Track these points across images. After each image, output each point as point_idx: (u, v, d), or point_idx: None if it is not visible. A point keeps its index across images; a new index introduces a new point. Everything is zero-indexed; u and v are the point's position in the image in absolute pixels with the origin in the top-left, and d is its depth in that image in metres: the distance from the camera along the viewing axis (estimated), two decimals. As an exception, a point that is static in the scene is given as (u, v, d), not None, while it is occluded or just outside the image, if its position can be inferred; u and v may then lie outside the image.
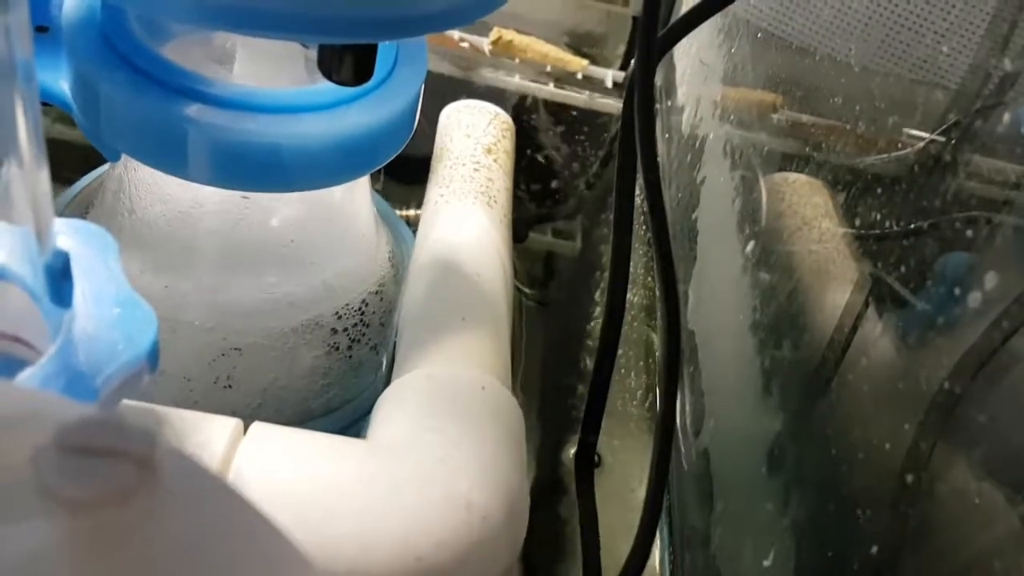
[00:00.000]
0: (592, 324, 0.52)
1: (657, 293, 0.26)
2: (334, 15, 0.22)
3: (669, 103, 0.47)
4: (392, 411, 0.27)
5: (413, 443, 0.25)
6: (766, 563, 0.21)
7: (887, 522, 0.18)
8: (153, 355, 0.20)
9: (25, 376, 0.18)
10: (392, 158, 0.31)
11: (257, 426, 0.24)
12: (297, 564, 0.13)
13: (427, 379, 0.28)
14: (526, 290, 0.52)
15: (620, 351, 0.43)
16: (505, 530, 0.24)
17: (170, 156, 0.28)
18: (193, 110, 0.27)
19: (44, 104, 0.33)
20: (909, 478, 0.17)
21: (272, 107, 0.28)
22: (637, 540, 0.25)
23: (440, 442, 0.25)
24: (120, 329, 0.20)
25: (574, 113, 0.55)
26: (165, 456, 0.12)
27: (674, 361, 0.24)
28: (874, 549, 0.17)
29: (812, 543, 0.20)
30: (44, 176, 0.18)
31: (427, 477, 0.24)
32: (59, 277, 0.18)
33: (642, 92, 0.25)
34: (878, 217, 0.32)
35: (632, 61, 0.60)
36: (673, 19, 0.34)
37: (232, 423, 0.23)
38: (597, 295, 0.54)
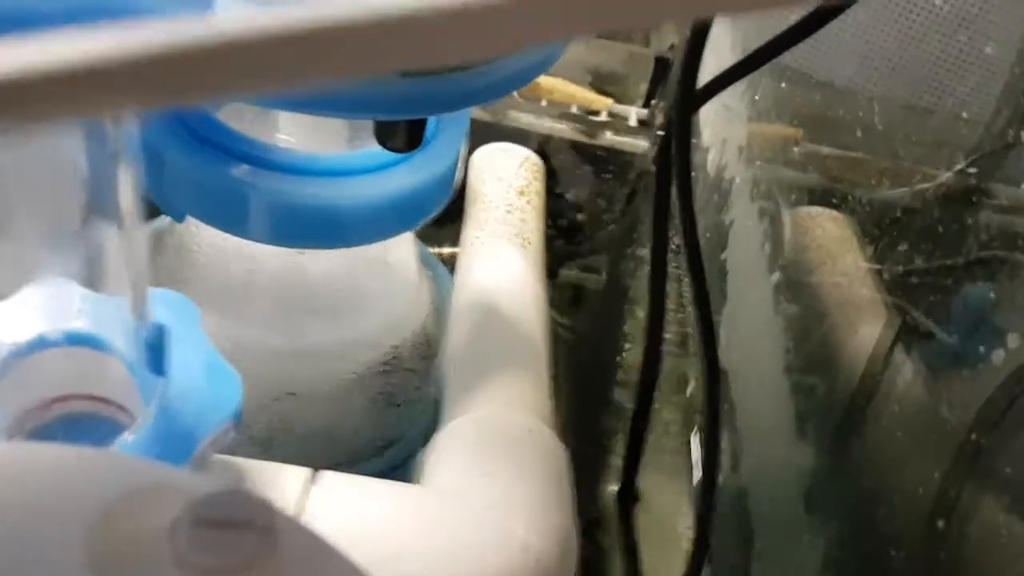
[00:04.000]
0: (621, 356, 0.53)
1: (698, 341, 0.27)
2: (391, 95, 0.24)
3: (694, 142, 0.49)
4: (445, 456, 0.29)
5: (468, 488, 0.26)
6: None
7: (919, 563, 0.19)
8: (239, 414, 0.22)
9: (126, 439, 0.20)
10: (437, 213, 0.32)
11: (326, 475, 0.26)
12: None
13: (476, 423, 0.30)
14: (562, 320, 0.54)
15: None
16: (557, 571, 0.26)
17: (230, 217, 0.30)
18: (251, 175, 0.29)
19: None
20: (940, 523, 0.18)
21: (327, 171, 0.29)
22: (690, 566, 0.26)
23: (493, 486, 0.26)
24: (208, 392, 0.21)
25: (599, 152, 0.57)
26: (284, 525, 0.14)
27: (715, 412, 0.25)
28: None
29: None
30: (144, 248, 0.20)
31: (483, 521, 0.25)
32: (157, 349, 0.20)
33: (680, 147, 0.26)
34: (904, 251, 0.33)
35: (653, 100, 0.62)
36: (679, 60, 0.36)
37: (303, 473, 0.25)
38: (626, 327, 0.55)
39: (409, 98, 0.24)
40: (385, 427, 0.37)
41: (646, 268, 0.43)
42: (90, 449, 0.15)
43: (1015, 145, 0.32)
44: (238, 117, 0.33)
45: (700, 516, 0.26)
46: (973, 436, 0.19)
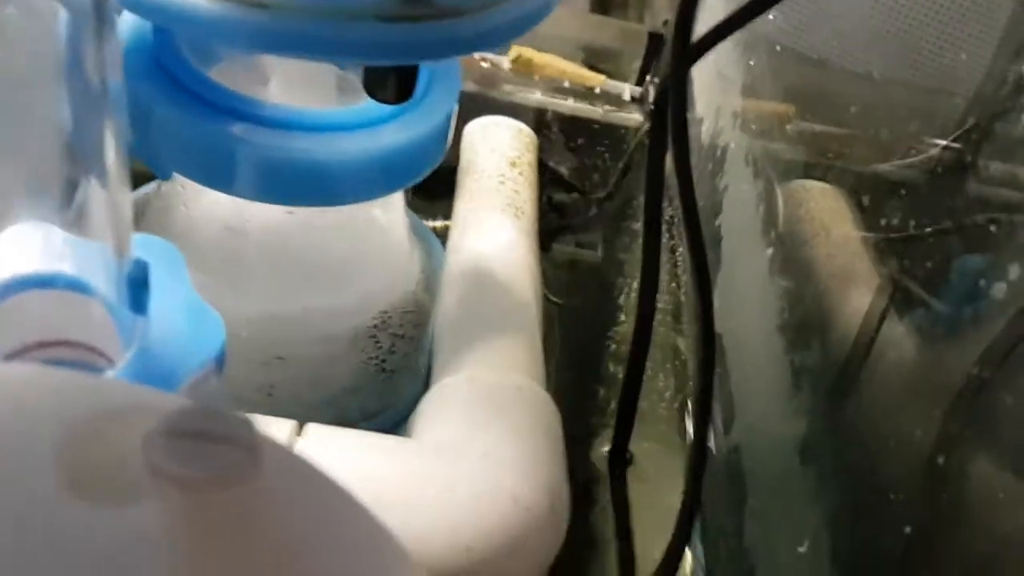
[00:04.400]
0: (615, 329, 0.53)
1: (694, 304, 0.27)
2: (377, 39, 0.24)
3: (688, 114, 0.49)
4: (436, 412, 0.28)
5: (459, 442, 0.26)
6: (801, 550, 0.22)
7: (919, 504, 0.19)
8: (221, 359, 0.21)
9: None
10: (428, 173, 0.32)
11: (312, 427, 0.25)
12: (396, 552, 0.14)
13: (467, 382, 0.29)
14: (553, 298, 0.53)
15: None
16: (548, 522, 0.25)
17: (218, 174, 0.29)
18: (241, 130, 0.29)
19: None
20: (940, 459, 0.18)
21: (315, 126, 0.29)
22: (673, 537, 0.26)
23: (483, 439, 0.26)
24: (190, 335, 0.21)
25: (594, 127, 0.57)
26: (267, 443, 0.13)
27: (708, 370, 0.25)
28: (907, 529, 0.18)
29: (846, 528, 0.21)
30: (127, 195, 0.19)
31: (474, 473, 0.25)
32: (138, 286, 0.19)
33: (676, 99, 0.26)
34: (895, 222, 0.33)
35: (647, 76, 0.62)
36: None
37: (289, 424, 0.25)
38: (620, 300, 0.55)
39: (394, 42, 0.24)
40: (375, 394, 0.37)
41: (641, 242, 0.43)
42: (63, 371, 0.15)
43: (1006, 115, 0.32)
44: (230, 74, 0.32)
45: (690, 477, 0.26)
46: (976, 371, 0.19)
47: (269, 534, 0.13)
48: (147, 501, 0.13)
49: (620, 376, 0.41)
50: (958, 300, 0.27)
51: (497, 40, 0.27)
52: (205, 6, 0.24)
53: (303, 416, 0.36)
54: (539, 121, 0.58)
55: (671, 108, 0.26)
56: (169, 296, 0.21)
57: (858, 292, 0.31)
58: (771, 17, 0.34)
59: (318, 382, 0.36)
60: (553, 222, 0.57)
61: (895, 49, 0.37)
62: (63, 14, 0.18)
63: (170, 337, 0.21)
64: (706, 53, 0.27)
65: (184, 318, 0.21)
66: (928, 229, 0.31)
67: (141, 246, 0.23)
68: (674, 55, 0.26)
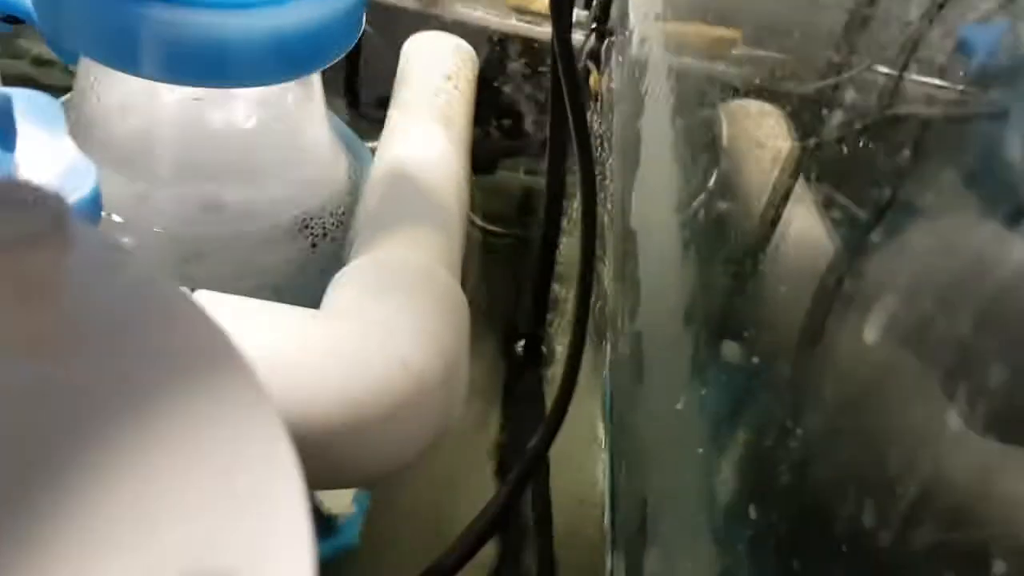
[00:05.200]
0: (559, 252, 0.53)
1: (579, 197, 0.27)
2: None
3: (625, 32, 0.48)
4: (339, 289, 0.28)
5: (355, 310, 0.26)
6: (678, 407, 0.23)
7: (774, 341, 0.19)
8: (95, 204, 0.21)
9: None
10: (336, 59, 0.32)
11: (204, 293, 0.25)
12: (219, 342, 0.14)
13: (373, 262, 0.29)
14: (492, 227, 0.53)
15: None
16: (440, 390, 0.26)
17: (122, 53, 0.29)
18: (142, 7, 0.28)
19: (12, 20, 0.34)
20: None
21: (217, 3, 0.29)
22: (558, 395, 0.26)
23: (380, 309, 0.26)
24: (63, 179, 0.21)
25: (535, 45, 0.56)
26: (79, 224, 0.14)
27: (588, 259, 0.25)
28: (755, 360, 0.19)
29: (718, 384, 0.22)
30: None
31: (366, 336, 0.25)
32: (2, 120, 0.19)
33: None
34: (829, 141, 0.33)
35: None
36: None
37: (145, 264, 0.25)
38: (564, 224, 0.55)
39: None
40: (297, 290, 0.37)
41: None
42: None
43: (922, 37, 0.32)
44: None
45: (568, 355, 0.26)
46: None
47: (74, 299, 0.13)
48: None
49: (567, 295, 0.42)
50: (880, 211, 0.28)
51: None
52: None
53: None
54: (486, 42, 0.58)
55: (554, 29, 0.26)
56: (41, 142, 0.21)
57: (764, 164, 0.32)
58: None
59: (241, 280, 0.36)
60: (498, 144, 0.57)
61: None
62: None
63: (42, 179, 0.21)
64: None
65: (55, 162, 0.21)
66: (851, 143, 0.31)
67: (20, 98, 0.23)
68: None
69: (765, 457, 0.18)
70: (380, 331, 0.26)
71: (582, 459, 0.37)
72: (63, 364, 0.13)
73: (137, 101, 0.34)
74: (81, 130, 0.35)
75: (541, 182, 0.61)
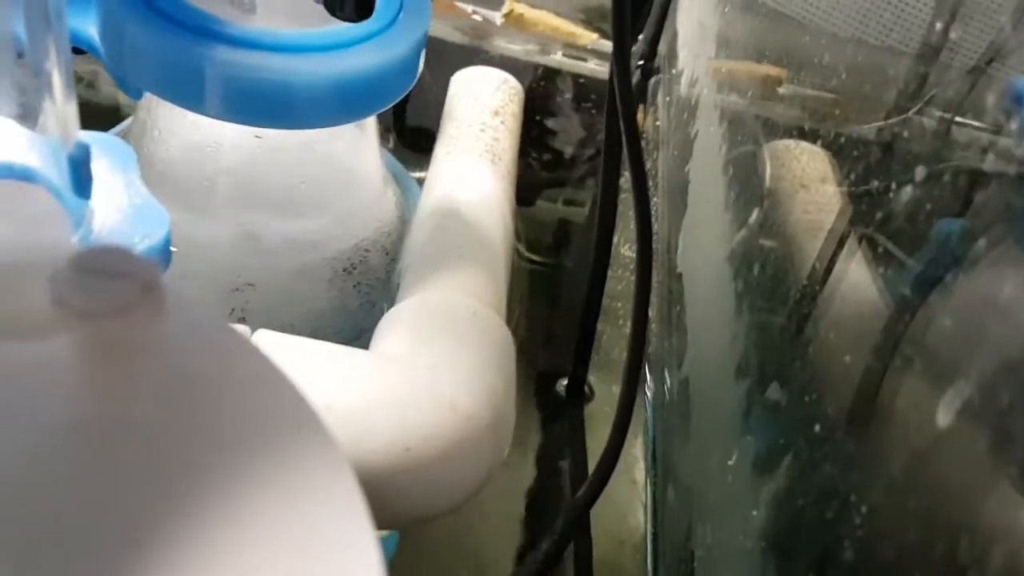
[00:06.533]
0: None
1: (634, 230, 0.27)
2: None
3: (673, 71, 0.49)
4: (389, 329, 0.29)
5: (406, 353, 0.27)
6: (730, 463, 0.23)
7: (831, 404, 0.19)
8: (166, 251, 0.22)
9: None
10: (395, 102, 0.33)
11: (263, 332, 0.26)
12: (299, 405, 0.14)
13: (422, 303, 0.30)
14: (532, 256, 0.54)
15: (619, 305, 0.45)
16: (488, 432, 0.26)
17: (186, 92, 0.30)
18: (208, 49, 0.29)
19: (75, 51, 0.35)
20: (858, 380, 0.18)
21: (282, 47, 0.30)
22: (607, 446, 0.26)
23: (430, 352, 0.27)
24: (135, 225, 0.22)
25: (581, 82, 0.57)
26: (171, 290, 0.14)
27: (646, 271, 0.26)
28: (816, 428, 0.19)
29: (771, 441, 0.22)
30: (71, 97, 0.20)
31: (414, 380, 0.25)
32: (80, 167, 0.20)
33: (619, 53, 0.26)
34: (876, 184, 0.33)
35: (641, 35, 0.62)
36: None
37: (239, 328, 0.25)
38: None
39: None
40: (345, 323, 0.38)
41: (623, 197, 0.43)
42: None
43: (979, 74, 0.32)
44: (216, 5, 0.33)
45: (622, 395, 0.26)
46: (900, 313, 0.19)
47: (166, 367, 0.14)
48: (52, 333, 0.14)
49: (607, 330, 0.42)
50: (932, 260, 0.28)
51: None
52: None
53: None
54: (531, 77, 0.59)
55: (615, 75, 0.27)
56: (115, 187, 0.22)
57: (823, 236, 0.32)
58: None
59: (290, 310, 0.37)
60: (541, 177, 0.58)
61: (875, 14, 0.37)
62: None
63: (113, 226, 0.21)
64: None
65: (129, 209, 0.22)
66: (900, 189, 0.31)
67: (92, 142, 0.23)
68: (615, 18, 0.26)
69: (821, 528, 0.18)
70: (430, 374, 0.26)
71: (621, 497, 0.37)
72: (153, 428, 0.13)
73: (197, 135, 0.34)
74: (139, 160, 0.36)
75: (579, 213, 0.62)
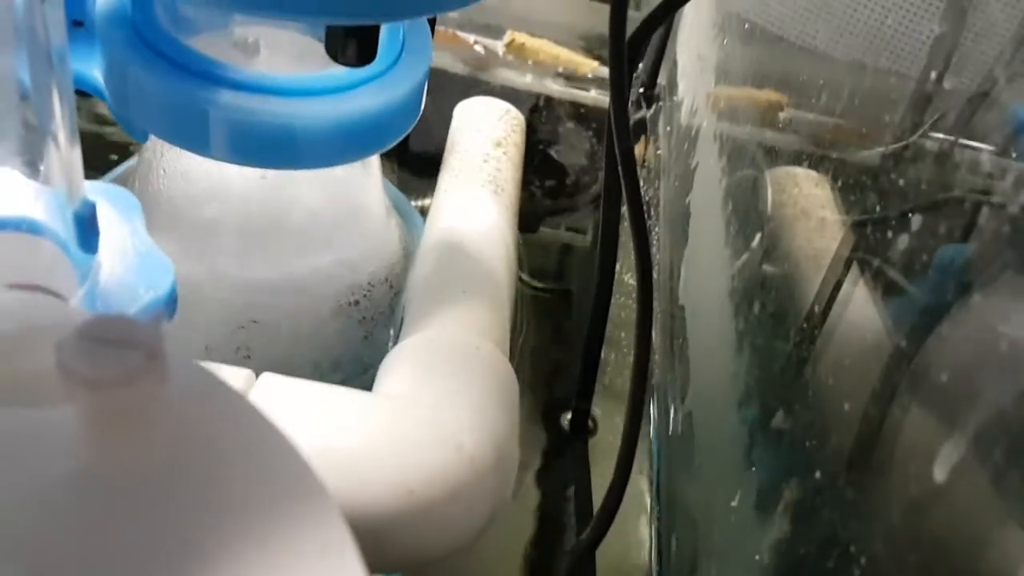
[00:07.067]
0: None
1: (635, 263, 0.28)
2: None
3: (673, 99, 0.49)
4: (392, 369, 0.29)
5: (409, 393, 0.27)
6: (733, 503, 0.23)
7: (833, 450, 0.19)
8: (171, 301, 0.22)
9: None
10: (397, 141, 0.33)
11: (267, 376, 0.26)
12: (301, 471, 0.15)
13: (425, 341, 0.30)
14: (534, 282, 0.54)
15: (623, 333, 0.45)
16: (493, 472, 0.26)
17: (192, 135, 0.30)
18: (212, 92, 0.30)
19: (79, 93, 0.36)
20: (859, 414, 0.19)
21: (285, 90, 0.30)
22: (611, 485, 0.26)
23: (433, 392, 0.27)
24: (141, 276, 0.22)
25: (582, 111, 0.57)
26: (174, 357, 0.14)
27: (647, 306, 0.26)
28: (817, 474, 0.19)
29: (770, 480, 0.22)
30: (76, 145, 0.20)
31: (420, 420, 0.26)
32: (87, 224, 0.20)
33: (616, 91, 0.27)
34: (878, 210, 0.33)
35: (641, 64, 0.62)
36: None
37: (244, 373, 0.26)
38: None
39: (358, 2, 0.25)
40: (349, 359, 0.38)
41: (625, 225, 0.43)
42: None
43: (979, 101, 0.32)
44: (217, 48, 0.33)
45: (624, 434, 0.26)
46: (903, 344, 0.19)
47: (169, 433, 0.14)
48: (58, 401, 0.14)
49: (611, 358, 0.42)
50: (936, 287, 0.28)
51: (457, 2, 0.27)
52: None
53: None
54: (532, 106, 0.59)
55: (612, 99, 0.27)
56: (120, 239, 0.22)
57: (825, 266, 0.32)
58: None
59: (295, 347, 0.37)
60: (543, 205, 0.58)
61: (846, 25, 0.37)
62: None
63: (119, 278, 0.22)
64: (641, 45, 0.27)
65: (135, 260, 0.22)
66: (902, 215, 0.31)
67: (97, 192, 0.24)
68: (612, 49, 0.27)
69: (827, 572, 0.18)
70: (434, 415, 0.26)
71: (626, 530, 0.37)
72: (158, 495, 0.13)
73: (201, 175, 0.35)
74: (145, 200, 0.36)
75: (581, 239, 0.62)
